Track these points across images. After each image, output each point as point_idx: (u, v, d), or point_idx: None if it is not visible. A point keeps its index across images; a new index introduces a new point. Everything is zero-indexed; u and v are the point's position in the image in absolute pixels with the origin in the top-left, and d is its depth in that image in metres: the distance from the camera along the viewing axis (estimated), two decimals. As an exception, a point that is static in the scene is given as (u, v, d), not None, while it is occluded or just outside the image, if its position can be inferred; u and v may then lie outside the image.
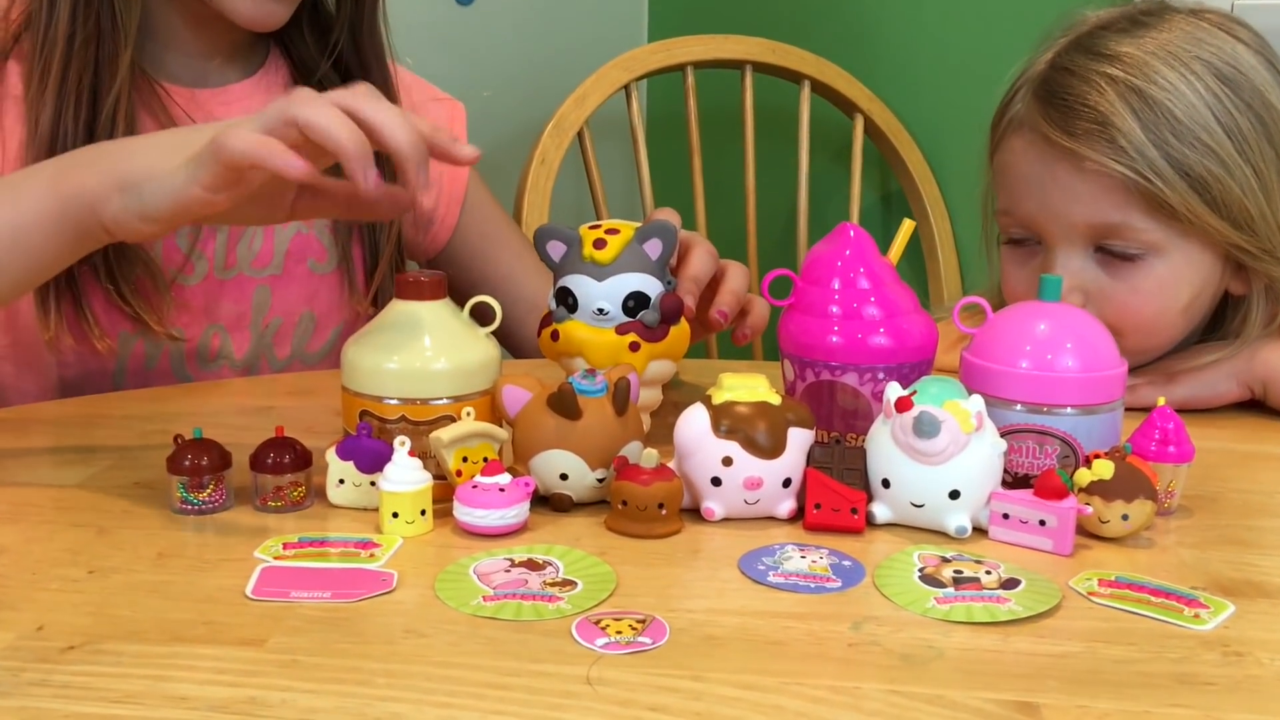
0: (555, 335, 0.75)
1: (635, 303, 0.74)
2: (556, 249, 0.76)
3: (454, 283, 1.09)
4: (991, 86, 0.99)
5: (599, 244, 0.74)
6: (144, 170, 0.67)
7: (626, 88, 1.51)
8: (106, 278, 0.89)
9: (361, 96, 0.65)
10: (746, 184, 1.63)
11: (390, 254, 1.02)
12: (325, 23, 1.00)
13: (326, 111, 0.63)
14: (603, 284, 0.74)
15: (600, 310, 0.74)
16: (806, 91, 1.62)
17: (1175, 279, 0.88)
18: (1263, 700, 0.50)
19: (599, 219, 1.53)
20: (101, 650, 0.52)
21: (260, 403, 0.90)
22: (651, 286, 0.74)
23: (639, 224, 0.76)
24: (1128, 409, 0.86)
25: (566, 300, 0.75)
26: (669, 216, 0.86)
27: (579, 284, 0.74)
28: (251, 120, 0.64)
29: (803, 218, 1.65)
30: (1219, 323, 0.94)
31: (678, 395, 0.91)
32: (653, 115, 1.93)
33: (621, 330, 0.74)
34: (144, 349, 0.95)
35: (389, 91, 1.00)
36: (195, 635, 0.54)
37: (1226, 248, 0.87)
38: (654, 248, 0.74)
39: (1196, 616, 0.57)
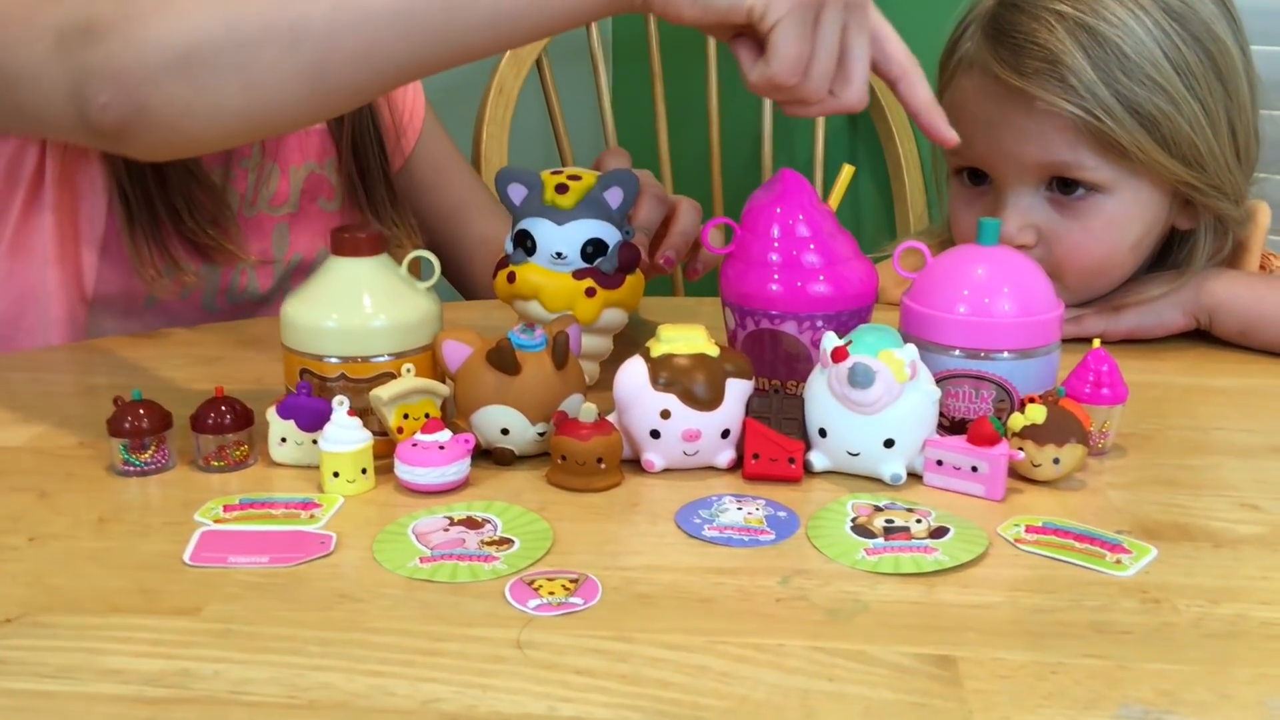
0: (511, 277, 0.75)
1: (594, 249, 0.74)
2: (517, 191, 0.75)
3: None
4: (955, 4, 0.97)
5: (561, 189, 0.74)
6: None
7: (584, 13, 1.48)
8: (179, 212, 0.90)
9: None
10: (710, 107, 1.62)
11: (381, 190, 1.03)
12: None
13: None
14: (562, 228, 0.74)
15: (558, 254, 0.74)
16: (769, 13, 1.59)
17: (1125, 216, 0.88)
18: (1175, 649, 0.51)
19: (559, 148, 1.53)
20: (38, 623, 0.53)
21: (209, 353, 0.90)
22: (610, 234, 0.75)
23: (599, 173, 0.76)
24: (1073, 340, 0.87)
25: (525, 243, 0.75)
26: (619, 159, 0.85)
27: (539, 227, 0.74)
28: None
29: (767, 140, 1.64)
30: (1165, 256, 0.94)
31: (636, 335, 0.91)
32: (614, 38, 1.90)
33: (578, 275, 0.74)
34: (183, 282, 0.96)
35: None
36: (132, 605, 0.55)
37: (1176, 185, 0.87)
38: (615, 196, 0.74)
39: (1118, 562, 0.59)
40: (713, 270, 0.88)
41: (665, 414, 0.67)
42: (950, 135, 0.71)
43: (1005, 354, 0.70)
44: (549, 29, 0.67)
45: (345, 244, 0.70)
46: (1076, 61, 0.83)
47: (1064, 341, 0.72)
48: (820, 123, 1.63)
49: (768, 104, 1.62)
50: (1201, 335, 0.92)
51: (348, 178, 1.02)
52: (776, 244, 0.72)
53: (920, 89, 0.70)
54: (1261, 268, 0.97)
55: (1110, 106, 0.83)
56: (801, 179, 0.73)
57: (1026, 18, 0.85)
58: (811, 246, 0.72)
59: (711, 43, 1.59)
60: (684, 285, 1.59)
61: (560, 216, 0.74)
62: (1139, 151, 0.84)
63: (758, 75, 0.66)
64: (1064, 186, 0.88)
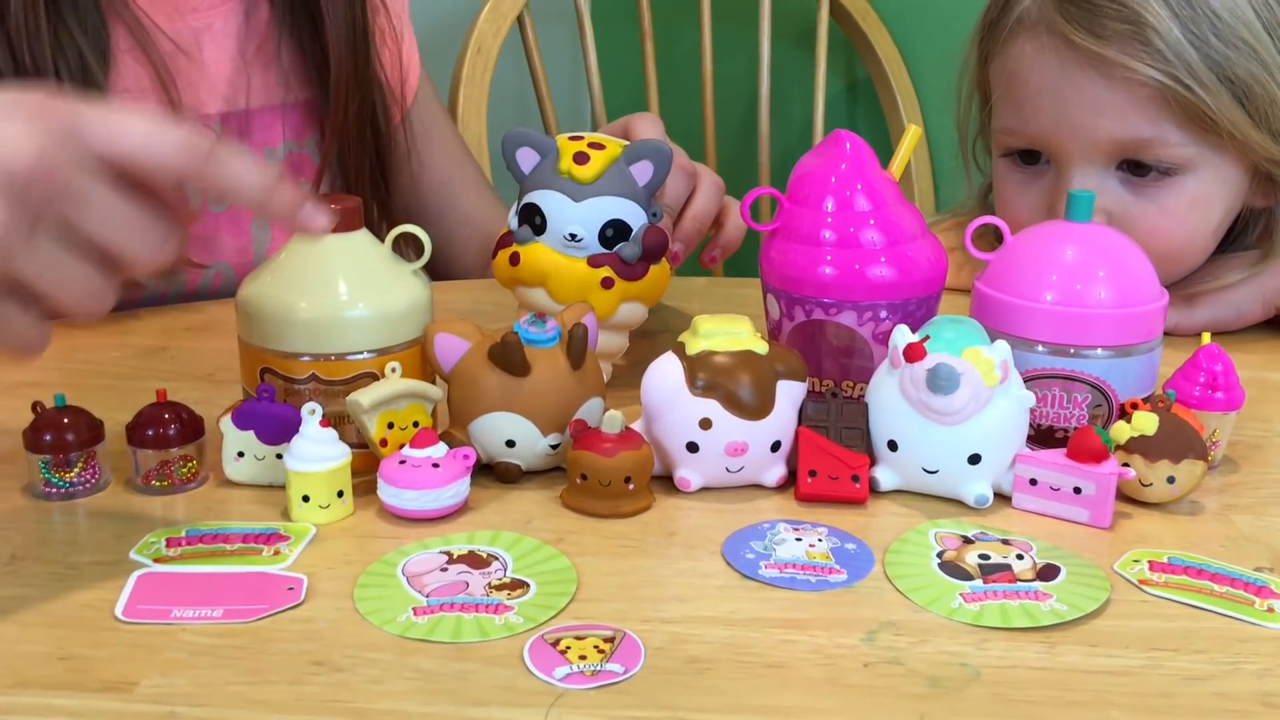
0: (515, 259, 0.64)
1: (614, 232, 0.62)
2: (528, 158, 0.63)
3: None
4: None
5: (580, 158, 0.62)
6: None
7: (571, -35, 1.36)
8: None
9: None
10: (703, 72, 1.50)
11: (371, 163, 0.91)
12: None
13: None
14: (580, 205, 0.62)
15: (573, 236, 0.62)
16: (768, -31, 1.48)
17: (1208, 196, 0.77)
18: (1371, 729, 0.41)
19: (542, 111, 1.40)
20: (-75, 705, 0.41)
21: (153, 342, 0.77)
22: (635, 216, 0.63)
23: (626, 143, 0.64)
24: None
25: (533, 219, 0.63)
26: (651, 126, 0.73)
27: (551, 202, 0.62)
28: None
29: (764, 109, 1.52)
30: (1236, 237, 0.84)
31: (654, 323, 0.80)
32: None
33: (595, 262, 0.63)
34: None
35: None
36: (49, 678, 0.43)
37: (1263, 161, 0.76)
38: (643, 171, 0.63)
39: (1270, 610, 0.48)
40: (742, 250, 0.77)
41: (705, 423, 0.55)
42: (321, 223, 0.50)
43: (1100, 351, 0.59)
44: None
45: (316, 217, 0.57)
46: (1163, 21, 0.72)
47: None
48: (820, 87, 1.52)
49: (765, 69, 1.51)
50: (1273, 323, 0.82)
51: (340, 155, 0.90)
52: (830, 219, 0.61)
53: (234, 172, 0.47)
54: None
55: (1200, 74, 0.72)
56: (859, 141, 0.62)
57: None
58: (872, 222, 0.61)
59: (706, 2, 1.48)
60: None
61: (578, 191, 0.62)
62: (1230, 125, 0.73)
63: None
64: (1136, 167, 0.77)
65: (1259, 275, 0.80)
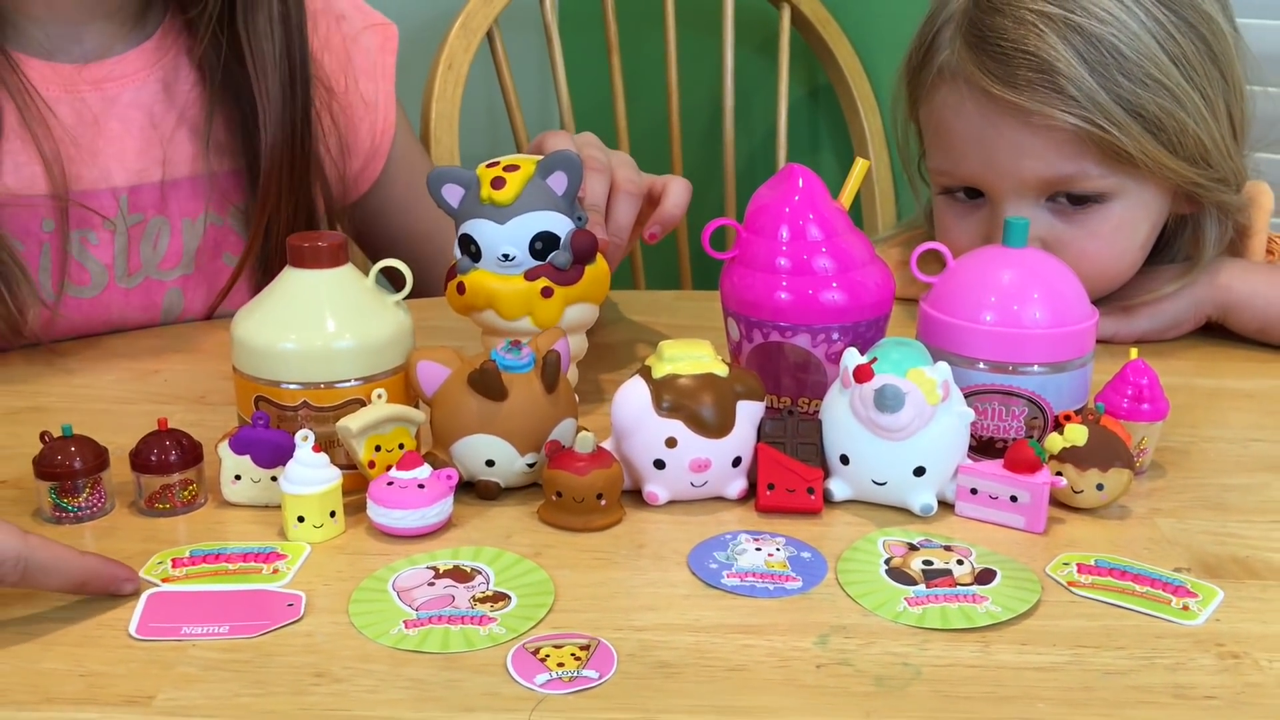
0: (461, 288, 0.68)
1: (543, 244, 0.66)
2: (453, 193, 0.67)
3: (369, 235, 0.99)
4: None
5: (497, 183, 0.66)
6: None
7: (538, -19, 1.40)
8: None
9: None
10: (669, 80, 1.54)
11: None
12: None
13: None
14: (505, 226, 0.66)
15: (506, 256, 0.66)
16: (730, -20, 1.52)
17: (1134, 218, 0.82)
18: (1267, 715, 0.46)
19: (512, 124, 1.44)
20: (-40, 721, 0.45)
21: (145, 365, 0.80)
22: (560, 224, 0.67)
23: (539, 158, 0.67)
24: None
25: (469, 248, 0.67)
26: (560, 139, 0.77)
27: (480, 229, 0.66)
28: None
29: (728, 115, 1.56)
30: (1165, 242, 0.88)
31: (612, 333, 0.84)
32: (566, 8, 1.81)
33: (531, 275, 0.66)
34: None
35: (290, 45, 0.84)
36: (72, 693, 0.47)
37: (1182, 185, 0.81)
38: (559, 181, 0.67)
39: (1185, 608, 0.53)
40: (708, 265, 0.81)
41: (671, 442, 0.60)
42: (128, 585, 0.54)
43: (1036, 367, 0.64)
44: None
45: (304, 254, 0.61)
46: (1073, 68, 0.76)
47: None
48: (783, 94, 1.57)
49: (729, 76, 1.55)
50: (1210, 328, 0.87)
51: (265, 225, 0.86)
52: (785, 247, 0.65)
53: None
54: (1270, 253, 0.93)
55: (1113, 113, 0.76)
56: (811, 174, 0.66)
57: (1010, 22, 0.77)
58: (824, 250, 0.65)
59: (670, 12, 1.52)
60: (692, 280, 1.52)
61: (501, 214, 0.66)
62: (1146, 157, 0.77)
63: None
64: (1065, 198, 0.81)
65: (1191, 286, 0.85)
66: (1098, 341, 0.83)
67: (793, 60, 1.58)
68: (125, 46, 0.84)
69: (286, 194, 0.85)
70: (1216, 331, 0.87)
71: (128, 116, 0.83)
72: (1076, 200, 0.81)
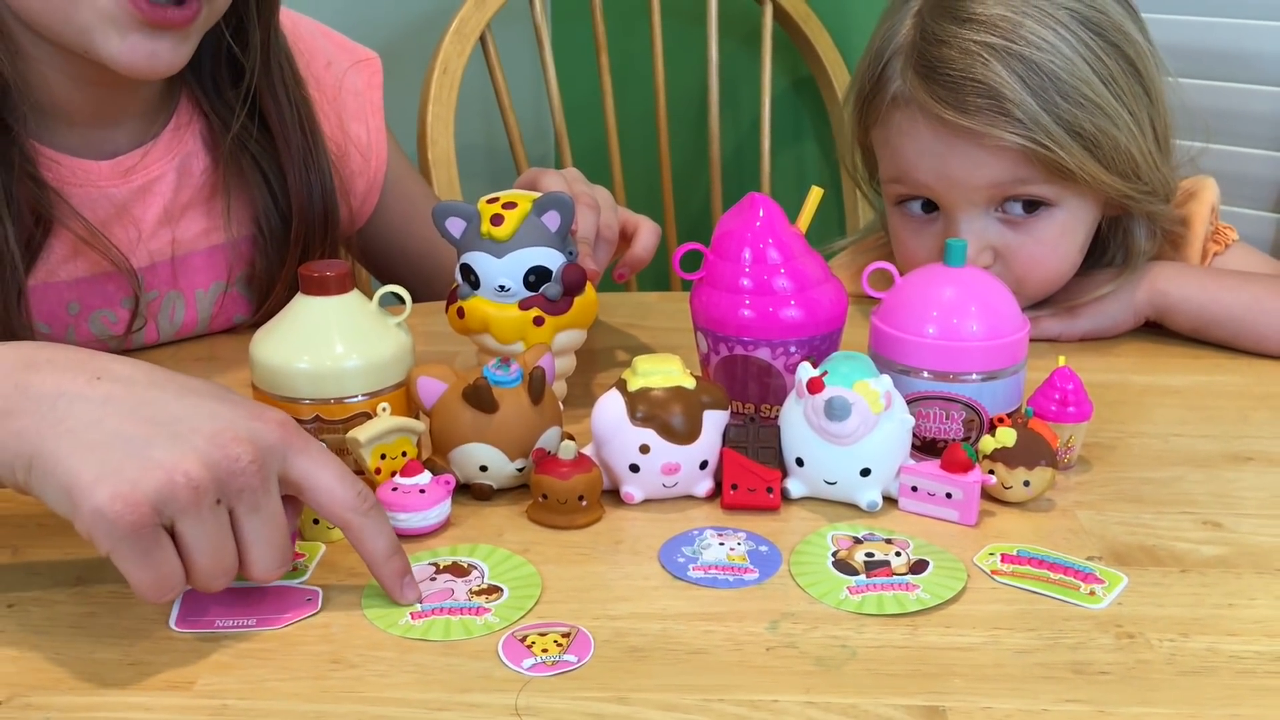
0: (460, 313, 0.75)
1: (536, 277, 0.73)
2: (456, 225, 0.74)
3: (372, 256, 1.06)
4: None
5: (496, 220, 0.73)
6: (53, 458, 0.53)
7: (528, -14, 1.46)
8: None
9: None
10: (656, 76, 1.60)
11: None
12: (235, 60, 0.87)
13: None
14: (502, 260, 0.73)
15: (502, 287, 0.73)
16: (713, -21, 1.58)
17: (1074, 222, 0.89)
18: (1151, 690, 0.53)
19: (505, 124, 1.50)
20: (31, 705, 0.52)
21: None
22: (552, 259, 0.74)
23: (535, 196, 0.74)
24: (1035, 340, 0.89)
25: (469, 277, 0.74)
26: (555, 179, 0.83)
27: (479, 261, 0.73)
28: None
29: (714, 106, 1.63)
30: (1099, 245, 0.95)
31: (599, 338, 0.91)
32: (557, 8, 1.87)
33: (524, 305, 0.74)
34: None
35: (302, 111, 0.90)
36: (121, 679, 0.54)
37: (1114, 195, 0.88)
38: (552, 220, 0.73)
39: (1092, 593, 0.60)
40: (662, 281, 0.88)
41: (644, 448, 0.67)
42: (410, 596, 0.59)
43: (974, 375, 0.71)
44: None
45: (314, 283, 0.69)
46: (1017, 94, 0.83)
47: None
48: (766, 86, 1.63)
49: (714, 70, 1.61)
50: (1151, 325, 0.94)
51: (261, 283, 0.92)
52: (747, 269, 0.73)
53: (371, 538, 0.58)
54: (1216, 241, 0.99)
55: (1054, 133, 0.83)
56: (771, 202, 0.73)
57: (956, 53, 0.84)
58: (782, 271, 0.72)
59: (655, 10, 1.58)
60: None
61: (498, 249, 0.73)
62: (1084, 173, 0.84)
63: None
64: (1013, 205, 0.88)
65: (1127, 288, 0.92)
66: (1045, 340, 0.91)
67: (775, 53, 1.64)
68: (149, 138, 0.88)
69: (317, 246, 0.90)
70: (1156, 329, 0.94)
71: (148, 202, 0.87)
72: (1026, 206, 0.88)
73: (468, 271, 0.74)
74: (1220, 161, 1.31)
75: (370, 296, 0.71)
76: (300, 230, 0.89)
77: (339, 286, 0.69)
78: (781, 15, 1.62)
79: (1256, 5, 1.29)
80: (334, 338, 0.68)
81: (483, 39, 1.42)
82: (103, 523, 0.51)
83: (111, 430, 0.53)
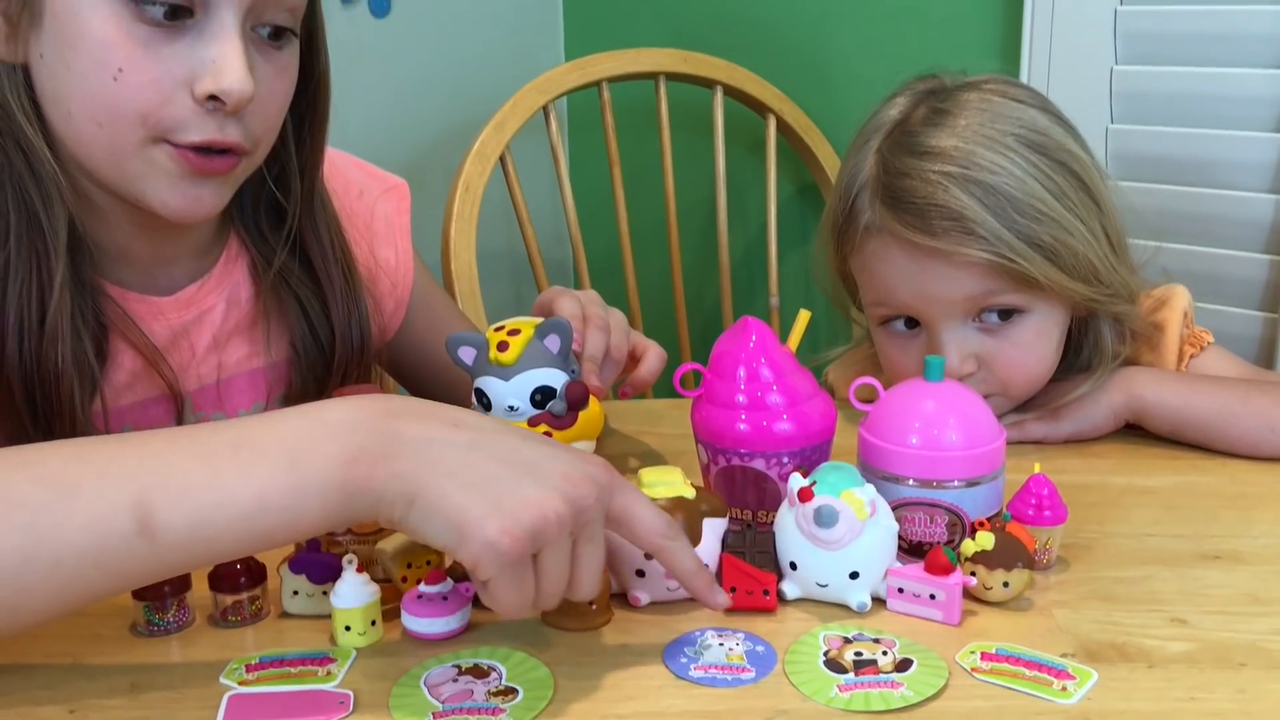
0: None
1: (542, 396, 0.80)
2: (468, 353, 0.81)
3: (399, 367, 1.12)
4: (892, 84, 1.04)
5: (502, 346, 0.80)
6: (438, 496, 0.61)
7: (545, 109, 1.55)
8: None
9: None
10: (666, 186, 1.68)
11: None
12: (277, 204, 0.94)
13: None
14: (509, 383, 0.80)
15: (511, 407, 0.80)
16: (719, 96, 1.67)
17: (1047, 325, 0.95)
18: (1114, 778, 0.58)
19: (524, 237, 1.58)
20: (91, 803, 0.58)
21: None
22: (556, 378, 0.80)
23: (538, 322, 0.81)
24: (1021, 442, 0.95)
25: (482, 400, 0.81)
26: (567, 303, 0.89)
27: (489, 385, 0.80)
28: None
29: (722, 212, 1.71)
30: (1072, 347, 1.01)
31: (611, 445, 0.97)
32: (572, 125, 1.96)
33: (533, 422, 0.80)
34: None
35: (341, 251, 0.96)
36: (175, 779, 0.60)
37: (1079, 300, 0.94)
38: (553, 343, 0.80)
39: (1064, 690, 0.65)
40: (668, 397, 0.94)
41: (649, 555, 0.73)
42: (720, 600, 0.71)
43: (956, 482, 0.77)
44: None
45: (346, 407, 0.75)
46: (979, 214, 0.90)
47: (1008, 445, 0.78)
48: (772, 194, 1.71)
49: (721, 180, 1.69)
50: (1131, 426, 0.99)
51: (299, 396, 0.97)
52: (742, 386, 0.79)
53: (680, 559, 0.68)
54: (1191, 345, 1.05)
55: (1016, 247, 0.90)
56: (763, 325, 0.80)
57: (920, 183, 0.92)
58: (774, 387, 0.78)
59: (665, 124, 1.66)
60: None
61: (505, 373, 0.80)
62: (1049, 281, 0.91)
63: (487, 601, 0.64)
64: (989, 315, 0.95)
65: (1106, 391, 0.98)
66: (1031, 442, 0.97)
67: (780, 160, 1.72)
68: (203, 273, 0.94)
69: (353, 370, 0.97)
70: (1138, 430, 0.99)
71: (200, 330, 0.93)
72: (1001, 315, 0.94)
73: (480, 395, 0.80)
74: (1210, 264, 1.38)
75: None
76: (337, 357, 0.96)
77: (368, 409, 0.75)
78: (784, 127, 1.70)
79: (1235, 116, 1.36)
80: (364, 457, 0.74)
81: (502, 159, 1.51)
82: (492, 553, 0.60)
83: (483, 471, 0.62)
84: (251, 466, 0.62)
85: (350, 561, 0.71)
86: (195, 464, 0.63)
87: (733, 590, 0.73)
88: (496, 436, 0.64)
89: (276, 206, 0.94)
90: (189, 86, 0.78)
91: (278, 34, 0.82)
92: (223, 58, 0.77)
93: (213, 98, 0.78)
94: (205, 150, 0.80)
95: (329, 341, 0.95)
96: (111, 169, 0.82)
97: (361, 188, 1.06)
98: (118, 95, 0.78)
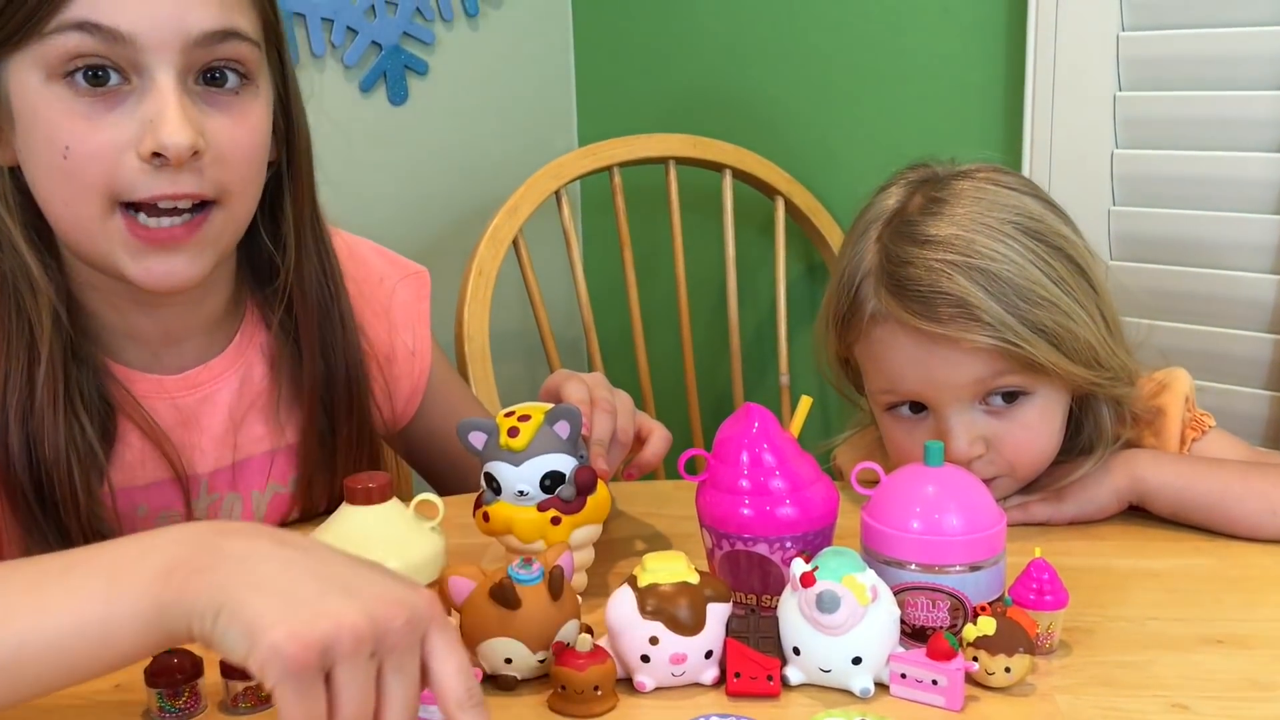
0: (486, 517, 0.83)
1: (551, 481, 0.82)
2: (478, 439, 0.83)
3: (414, 453, 1.14)
4: (897, 165, 1.05)
5: (512, 432, 0.81)
6: (239, 605, 0.58)
7: (557, 193, 1.59)
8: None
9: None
10: (677, 267, 1.71)
11: None
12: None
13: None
14: (519, 468, 0.81)
15: (521, 493, 0.81)
16: (728, 179, 1.70)
17: (1051, 406, 0.97)
18: None
19: (536, 318, 1.61)
20: None
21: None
22: (565, 464, 0.82)
23: (548, 408, 0.83)
24: (1026, 524, 0.95)
25: (492, 484, 0.82)
26: (575, 388, 0.91)
27: (500, 470, 0.82)
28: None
29: (732, 293, 1.73)
30: (1073, 429, 1.02)
31: (618, 528, 0.99)
32: (585, 209, 2.01)
33: (542, 507, 0.82)
34: None
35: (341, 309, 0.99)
36: None
37: (1080, 383, 0.96)
38: (563, 429, 0.82)
39: (1064, 775, 0.66)
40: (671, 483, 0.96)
41: (653, 640, 0.74)
42: None
43: (957, 567, 0.77)
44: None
45: (358, 494, 0.77)
46: (982, 300, 0.92)
47: (1013, 526, 0.79)
48: (781, 274, 1.73)
49: (730, 261, 1.72)
50: (1135, 507, 1.00)
51: (314, 490, 1.01)
52: (746, 471, 0.80)
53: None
54: (1193, 428, 1.06)
55: (1020, 332, 0.92)
56: (766, 411, 0.81)
57: (923, 271, 0.93)
58: (777, 473, 0.80)
59: (675, 206, 1.70)
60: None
61: (515, 458, 0.81)
62: (1052, 365, 0.93)
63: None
64: (994, 398, 0.96)
65: (1108, 472, 0.98)
66: (1036, 525, 0.98)
67: (789, 241, 1.74)
68: (214, 353, 0.96)
69: (360, 450, 0.99)
70: (1141, 511, 1.00)
71: (212, 413, 0.95)
72: (1006, 397, 0.96)
73: (490, 479, 0.82)
74: (1214, 343, 1.39)
75: (413, 486, 0.80)
76: (344, 440, 0.98)
77: (380, 496, 0.78)
78: (792, 208, 1.73)
79: (1236, 199, 1.39)
80: (376, 543, 0.76)
81: (515, 242, 1.54)
82: (276, 658, 0.56)
83: (292, 582, 0.59)
84: (74, 589, 0.61)
85: (359, 647, 0.73)
86: (24, 591, 0.62)
87: (737, 675, 0.74)
88: (320, 554, 0.63)
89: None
90: (134, 148, 0.81)
91: (223, 79, 0.84)
92: (159, 114, 0.80)
93: (156, 154, 0.80)
94: (161, 214, 0.82)
95: (333, 417, 0.96)
96: (88, 246, 0.84)
97: (382, 274, 1.09)
98: (70, 171, 0.81)
